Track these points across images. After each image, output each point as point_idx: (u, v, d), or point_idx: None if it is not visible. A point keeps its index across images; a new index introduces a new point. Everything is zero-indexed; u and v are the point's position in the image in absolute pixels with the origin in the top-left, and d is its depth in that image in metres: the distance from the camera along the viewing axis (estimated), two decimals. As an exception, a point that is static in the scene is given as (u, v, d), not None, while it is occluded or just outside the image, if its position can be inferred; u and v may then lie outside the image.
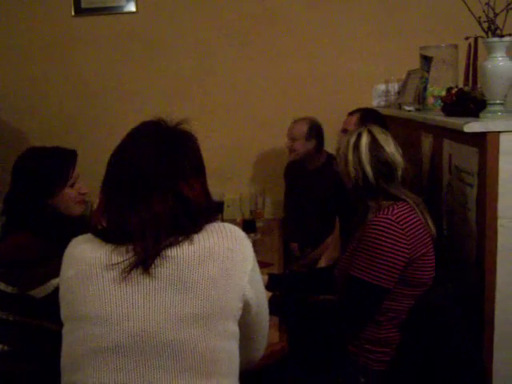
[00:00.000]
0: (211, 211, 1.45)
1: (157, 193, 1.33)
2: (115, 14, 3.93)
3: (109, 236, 1.34)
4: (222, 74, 3.94)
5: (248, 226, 3.02)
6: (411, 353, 1.84)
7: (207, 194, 1.45)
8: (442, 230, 2.25)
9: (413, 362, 1.83)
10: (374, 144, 1.98)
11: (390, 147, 1.99)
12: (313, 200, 3.41)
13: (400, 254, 1.84)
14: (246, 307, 1.36)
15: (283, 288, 2.20)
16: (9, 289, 1.86)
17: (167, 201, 1.33)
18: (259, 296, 1.41)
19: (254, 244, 2.74)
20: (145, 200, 1.33)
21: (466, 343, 1.80)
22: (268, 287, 2.17)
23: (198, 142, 1.47)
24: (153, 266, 1.28)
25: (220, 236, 1.34)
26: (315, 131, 3.50)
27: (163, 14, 3.93)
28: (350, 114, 3.09)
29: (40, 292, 1.84)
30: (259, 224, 3.16)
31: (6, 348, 1.90)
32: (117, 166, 1.41)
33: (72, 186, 2.05)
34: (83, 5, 3.94)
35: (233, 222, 3.10)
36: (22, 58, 4.00)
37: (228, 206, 3.36)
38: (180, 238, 1.31)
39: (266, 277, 2.24)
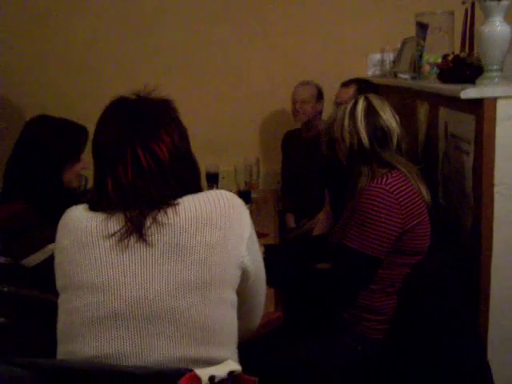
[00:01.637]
0: (198, 177, 1.45)
1: (128, 156, 1.31)
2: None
3: (101, 205, 1.33)
4: (216, 44, 3.88)
5: (243, 197, 2.96)
6: (407, 321, 1.85)
7: (190, 158, 1.43)
8: (438, 198, 2.24)
9: (409, 330, 1.84)
10: (370, 109, 1.97)
11: (386, 113, 1.98)
12: (309, 170, 3.39)
13: (393, 224, 1.83)
14: (244, 275, 1.35)
15: (279, 258, 2.20)
16: (1, 259, 1.85)
17: (139, 163, 1.31)
18: (257, 264, 1.40)
19: (249, 215, 2.81)
20: (118, 166, 1.32)
21: (461, 309, 1.80)
22: (264, 258, 2.18)
23: (175, 107, 1.45)
24: (149, 234, 1.27)
25: (217, 203, 1.32)
26: (321, 94, 3.50)
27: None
28: (344, 85, 3.06)
29: (34, 260, 1.83)
30: (254, 195, 3.14)
31: (1, 320, 1.89)
32: (93, 140, 1.41)
33: (81, 160, 2.04)
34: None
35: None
36: (15, 29, 3.93)
37: (223, 178, 3.34)
38: (174, 203, 1.30)
39: (262, 248, 2.23)
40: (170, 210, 1.29)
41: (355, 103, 2.00)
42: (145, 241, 1.27)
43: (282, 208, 3.60)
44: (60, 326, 1.34)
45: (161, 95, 1.45)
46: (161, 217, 1.28)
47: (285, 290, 1.98)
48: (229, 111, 3.94)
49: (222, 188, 3.14)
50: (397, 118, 2.00)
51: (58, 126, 2.04)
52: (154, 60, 3.90)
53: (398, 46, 3.15)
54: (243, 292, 1.38)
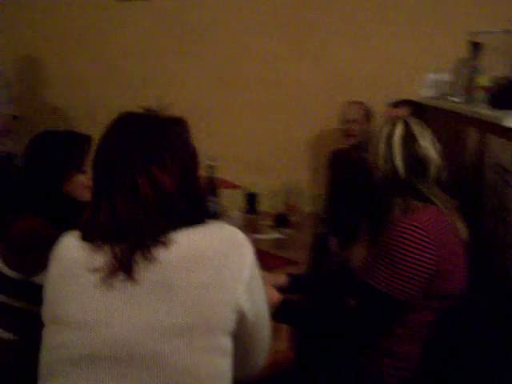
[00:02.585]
0: (203, 211, 1.33)
1: (142, 191, 1.21)
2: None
3: (92, 234, 1.24)
4: (260, 60, 3.80)
5: (280, 221, 2.88)
6: (431, 372, 1.67)
7: (195, 188, 1.32)
8: (480, 234, 2.04)
9: (436, 378, 1.66)
10: (409, 135, 1.79)
11: (426, 141, 1.79)
12: (355, 192, 3.22)
13: (424, 265, 1.65)
14: (241, 319, 1.22)
15: (301, 290, 2.06)
16: (13, 274, 1.82)
17: (154, 201, 1.21)
18: (258, 307, 1.27)
19: (285, 240, 2.69)
20: (115, 191, 1.22)
21: (499, 366, 1.60)
22: (286, 289, 2.05)
23: (189, 129, 1.34)
24: (136, 271, 1.17)
25: (216, 239, 1.21)
26: (370, 114, 3.35)
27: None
28: (395, 105, 2.89)
29: (43, 278, 1.78)
30: (293, 218, 3.00)
31: (12, 337, 1.84)
32: (96, 159, 1.31)
33: (85, 172, 1.98)
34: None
35: (266, 215, 2.98)
36: (63, 43, 3.99)
37: (261, 199, 3.22)
38: (167, 238, 1.19)
39: (284, 277, 2.10)
40: (160, 246, 1.18)
41: (393, 127, 1.83)
42: (131, 278, 1.17)
43: (326, 231, 3.44)
44: (40, 361, 1.25)
45: (174, 111, 1.34)
46: (150, 253, 1.17)
47: (299, 328, 1.83)
48: (271, 130, 3.84)
49: (261, 209, 3.11)
50: (437, 146, 1.81)
51: (58, 137, 2.03)
52: (202, 73, 3.85)
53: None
54: (241, 336, 1.26)
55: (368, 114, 3.36)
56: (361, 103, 3.38)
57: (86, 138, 2.02)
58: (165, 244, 1.18)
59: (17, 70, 4.11)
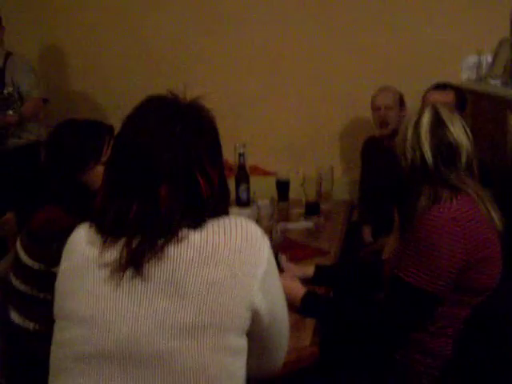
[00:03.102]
0: (224, 203, 1.27)
1: (168, 184, 1.15)
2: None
3: (104, 226, 1.19)
4: (297, 45, 3.69)
5: (312, 209, 2.81)
6: (467, 367, 1.58)
7: (225, 183, 1.27)
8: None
9: (468, 377, 1.58)
10: (437, 122, 1.70)
11: (456, 127, 1.70)
12: (389, 180, 3.11)
13: (456, 257, 1.57)
14: (256, 317, 1.16)
15: (329, 282, 1.99)
16: (35, 265, 1.80)
17: (179, 194, 1.16)
18: (274, 304, 1.21)
19: (316, 229, 2.61)
20: (151, 190, 1.15)
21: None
22: (313, 280, 1.98)
23: (215, 120, 1.27)
24: (146, 267, 1.12)
25: (228, 234, 1.15)
26: (404, 100, 3.22)
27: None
28: (440, 87, 2.75)
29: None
30: (324, 206, 2.92)
31: (37, 327, 1.83)
32: (119, 146, 1.25)
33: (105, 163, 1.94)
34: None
35: (298, 203, 2.91)
36: (100, 27, 3.97)
37: (293, 187, 3.14)
38: (180, 235, 1.14)
39: (313, 268, 2.03)
40: (172, 242, 1.13)
41: (421, 113, 1.74)
42: (141, 274, 1.12)
43: (359, 220, 3.35)
44: (50, 357, 1.22)
45: (205, 97, 1.27)
46: (161, 249, 1.13)
47: (324, 322, 1.76)
48: (306, 116, 3.74)
49: (293, 196, 3.04)
50: (469, 133, 1.71)
51: (78, 127, 1.98)
52: (232, 60, 3.79)
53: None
54: (257, 335, 1.20)
55: (401, 101, 3.22)
56: (392, 89, 3.24)
57: (108, 129, 1.97)
58: (177, 240, 1.13)
59: (42, 58, 4.12)
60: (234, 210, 2.66)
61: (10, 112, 3.38)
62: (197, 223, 1.16)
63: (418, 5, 3.46)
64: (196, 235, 1.14)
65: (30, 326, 1.82)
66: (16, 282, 1.84)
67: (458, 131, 1.69)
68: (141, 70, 3.95)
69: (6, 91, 3.38)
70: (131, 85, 3.89)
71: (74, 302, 1.17)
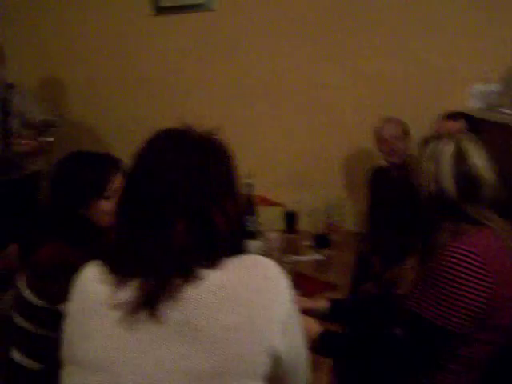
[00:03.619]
0: (240, 240, 1.22)
1: (177, 221, 1.11)
2: (193, 12, 3.77)
3: (117, 265, 1.14)
4: (301, 73, 3.66)
5: (321, 241, 2.75)
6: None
7: (239, 218, 1.22)
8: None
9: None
10: (460, 154, 1.61)
11: (479, 160, 1.62)
12: (399, 211, 3.06)
13: (479, 294, 1.49)
14: (276, 362, 1.09)
15: (342, 317, 1.92)
16: (39, 302, 1.74)
17: (189, 231, 1.11)
18: (295, 348, 1.15)
19: (326, 261, 2.55)
20: (166, 227, 1.11)
21: None
22: (326, 316, 1.91)
23: (230, 152, 1.23)
24: (162, 309, 1.06)
25: (246, 274, 1.09)
26: (408, 130, 3.19)
27: (241, 12, 3.72)
28: (452, 117, 2.72)
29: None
30: (335, 238, 2.86)
31: (41, 366, 1.77)
32: (133, 181, 1.19)
33: (108, 198, 1.88)
34: (161, 3, 3.83)
35: (306, 234, 2.85)
36: (100, 56, 3.97)
37: (301, 218, 3.09)
38: (196, 275, 1.08)
39: (326, 302, 1.96)
40: (188, 283, 1.07)
41: (443, 143, 1.67)
42: (155, 317, 1.06)
43: (368, 251, 3.29)
44: None
45: (209, 125, 1.23)
46: (177, 290, 1.07)
47: (340, 361, 1.68)
48: (312, 144, 3.69)
49: (301, 228, 2.99)
50: (493, 164, 1.64)
51: (81, 159, 1.93)
52: (236, 88, 3.76)
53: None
54: (276, 378, 1.13)
55: (406, 130, 3.19)
56: (396, 119, 3.21)
57: (113, 162, 1.93)
58: (193, 280, 1.07)
59: (42, 89, 4.11)
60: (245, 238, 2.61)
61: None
62: (213, 262, 1.10)
63: (425, 33, 3.42)
64: (213, 275, 1.08)
65: (33, 365, 1.77)
66: (18, 319, 1.78)
67: (482, 164, 1.61)
68: (142, 97, 3.94)
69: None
70: (132, 113, 3.89)
71: (85, 346, 1.10)
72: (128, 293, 1.09)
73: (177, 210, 1.11)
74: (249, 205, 2.86)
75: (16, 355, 1.77)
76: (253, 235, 2.80)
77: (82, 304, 1.15)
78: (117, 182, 1.88)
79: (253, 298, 1.07)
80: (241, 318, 1.05)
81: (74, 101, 4.10)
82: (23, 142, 3.33)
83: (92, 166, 1.90)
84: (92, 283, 1.15)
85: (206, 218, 1.12)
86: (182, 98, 3.85)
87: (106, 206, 1.88)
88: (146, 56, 3.90)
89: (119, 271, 1.12)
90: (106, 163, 1.92)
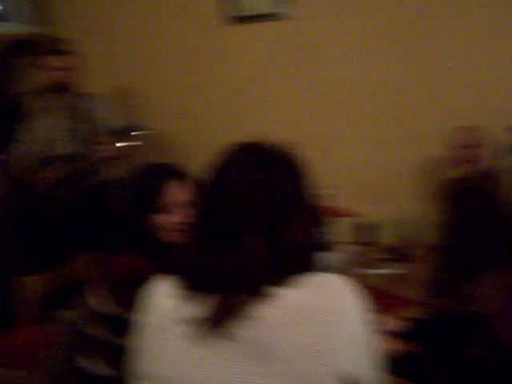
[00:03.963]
0: (311, 258, 1.18)
1: (250, 237, 1.10)
2: (269, 21, 3.76)
3: (187, 280, 1.14)
4: (375, 82, 3.60)
5: (396, 254, 2.68)
6: None
7: (311, 235, 1.19)
8: None
9: None
10: None
11: None
12: (476, 223, 2.94)
13: None
14: (346, 383, 1.05)
15: (422, 337, 1.83)
16: (116, 311, 1.75)
17: (263, 247, 1.09)
18: (365, 369, 1.10)
19: (401, 276, 2.47)
20: (235, 242, 1.10)
21: None
22: (401, 335, 1.84)
23: (303, 166, 1.21)
24: (231, 326, 1.05)
25: (316, 292, 1.06)
26: (484, 138, 3.08)
27: (320, 20, 3.69)
28: None
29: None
30: (411, 251, 2.78)
31: (111, 372, 1.79)
32: (205, 195, 1.20)
33: (160, 211, 1.82)
34: (238, 13, 3.84)
35: (381, 247, 2.78)
36: (172, 66, 4.04)
37: (376, 230, 3.01)
38: (266, 293, 1.06)
39: (400, 321, 1.89)
40: (258, 300, 1.06)
41: None
42: (224, 334, 1.05)
43: (444, 265, 3.17)
44: None
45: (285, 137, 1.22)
46: (246, 307, 1.05)
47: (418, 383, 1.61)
48: (387, 155, 3.62)
49: (375, 241, 2.90)
50: None
51: (140, 172, 1.91)
52: (309, 98, 3.74)
53: None
54: None
55: (481, 139, 3.07)
56: (475, 127, 3.10)
57: (170, 174, 1.87)
58: (262, 298, 1.06)
59: (119, 102, 4.20)
60: (318, 252, 2.58)
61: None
62: (284, 279, 1.08)
63: (501, 40, 3.29)
64: (282, 293, 1.06)
65: (104, 372, 1.78)
66: (89, 328, 1.80)
67: None
68: (216, 108, 3.95)
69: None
70: (205, 124, 3.90)
71: (152, 361, 1.11)
72: (198, 308, 1.09)
73: (248, 226, 1.10)
74: (324, 216, 2.83)
75: (85, 363, 1.78)
76: (327, 247, 2.76)
77: (151, 319, 1.16)
78: (172, 195, 1.83)
79: (322, 318, 1.03)
80: (310, 338, 1.02)
81: (147, 111, 4.18)
82: (103, 147, 3.41)
83: (144, 179, 1.87)
84: (161, 298, 1.16)
85: (278, 235, 1.11)
86: (256, 109, 3.85)
87: (160, 220, 1.82)
88: (219, 67, 3.93)
89: (190, 286, 1.12)
90: (159, 175, 1.86)
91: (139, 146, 3.49)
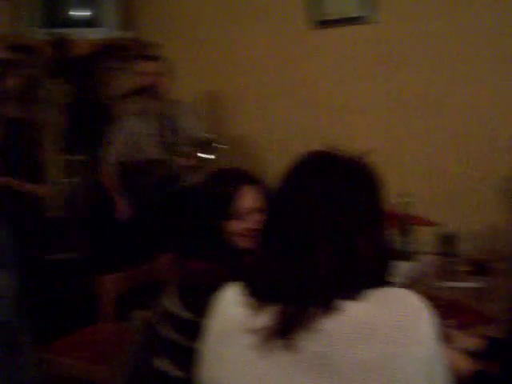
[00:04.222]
0: (385, 272, 1.15)
1: (323, 247, 1.08)
2: (353, 25, 3.70)
3: (257, 289, 1.13)
4: (465, 91, 3.45)
5: (480, 267, 2.55)
6: None
7: (386, 249, 1.16)
8: None
9: None
10: None
11: None
12: None
13: None
14: None
15: (500, 357, 1.74)
16: (188, 315, 1.78)
17: (335, 258, 1.07)
18: None
19: (484, 290, 2.34)
20: (309, 254, 1.08)
21: None
22: (479, 354, 1.75)
23: (378, 177, 1.18)
24: (296, 338, 1.03)
25: (389, 309, 1.03)
26: None
27: (401, 25, 3.60)
28: None
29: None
30: (497, 265, 2.63)
31: (186, 375, 1.81)
32: (278, 204, 1.18)
33: (232, 218, 1.82)
34: (319, 17, 3.80)
35: (464, 259, 2.66)
36: (256, 70, 4.05)
37: (459, 241, 2.89)
38: (336, 306, 1.04)
39: (479, 339, 1.79)
40: (326, 313, 1.04)
41: None
42: (291, 345, 1.03)
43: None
44: None
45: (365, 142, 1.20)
46: (314, 320, 1.04)
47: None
48: (472, 162, 3.47)
49: (458, 252, 2.78)
50: None
51: (219, 179, 1.91)
52: (393, 104, 3.65)
53: None
54: None
55: None
56: None
57: (253, 181, 1.88)
58: (332, 312, 1.03)
59: (207, 105, 4.25)
60: (393, 263, 2.50)
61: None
62: (355, 293, 1.05)
63: None
64: (353, 307, 1.03)
65: (178, 374, 1.80)
66: (165, 330, 1.83)
67: None
68: (303, 114, 3.91)
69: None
70: (294, 128, 3.88)
71: (223, 371, 1.11)
72: (265, 318, 1.08)
73: (321, 238, 1.08)
74: (404, 224, 2.75)
75: (160, 364, 1.82)
76: (406, 256, 2.68)
77: (219, 326, 1.16)
78: (246, 201, 1.83)
79: (393, 335, 1.00)
80: (378, 356, 0.99)
81: (231, 114, 4.22)
82: (184, 157, 3.46)
83: (218, 185, 1.87)
84: (231, 306, 1.16)
85: (352, 248, 1.08)
86: (339, 115, 3.80)
87: (233, 226, 1.83)
88: (302, 71, 3.90)
89: (259, 295, 1.12)
90: (233, 181, 1.86)
91: (216, 159, 3.52)
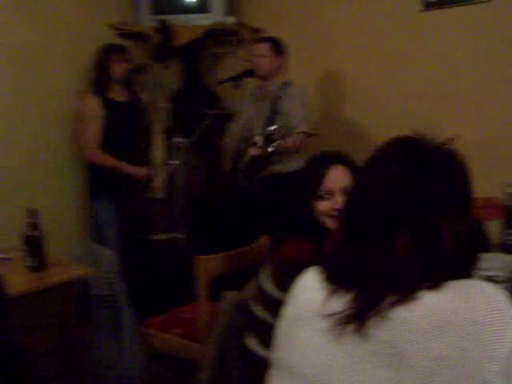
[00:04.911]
0: (468, 264, 1.09)
1: (401, 234, 1.03)
2: (465, 5, 3.49)
3: (334, 274, 1.11)
4: None
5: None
6: None
7: (470, 240, 1.09)
8: None
9: None
10: None
11: None
12: None
13: None
14: None
15: None
16: (280, 295, 1.77)
17: (413, 246, 1.02)
18: None
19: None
20: (389, 240, 1.04)
21: None
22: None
23: (467, 166, 1.10)
24: (368, 326, 1.00)
25: (467, 302, 0.96)
26: None
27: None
28: None
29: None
30: None
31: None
32: (359, 188, 1.15)
33: (321, 198, 1.87)
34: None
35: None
36: (364, 57, 3.94)
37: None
38: (412, 296, 0.99)
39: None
40: (401, 302, 0.99)
41: None
42: (363, 332, 1.00)
43: None
44: None
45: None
46: (387, 308, 0.99)
47: None
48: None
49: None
50: None
51: (314, 161, 1.96)
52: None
53: None
54: None
55: None
56: None
57: (344, 161, 1.90)
58: (407, 301, 0.99)
59: (317, 87, 4.19)
60: (497, 255, 2.35)
61: (269, 149, 3.42)
62: (433, 283, 1.00)
63: None
64: (429, 298, 0.98)
65: (268, 354, 1.80)
66: (258, 309, 1.83)
67: None
68: (411, 99, 3.76)
69: (271, 128, 3.42)
70: (402, 114, 3.74)
71: (292, 353, 1.10)
72: (340, 303, 1.05)
73: (402, 224, 1.04)
74: (509, 215, 2.58)
75: (251, 343, 1.82)
76: (509, 249, 2.53)
77: (295, 309, 1.15)
78: (336, 181, 1.86)
79: (471, 330, 0.93)
80: (453, 350, 0.93)
81: (339, 97, 4.12)
82: (282, 142, 3.41)
83: (310, 166, 1.93)
84: (308, 290, 1.15)
85: (433, 236, 1.03)
86: (448, 100, 3.60)
87: (321, 206, 1.87)
88: (415, 54, 3.73)
89: (335, 280, 1.09)
90: (324, 161, 1.91)
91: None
